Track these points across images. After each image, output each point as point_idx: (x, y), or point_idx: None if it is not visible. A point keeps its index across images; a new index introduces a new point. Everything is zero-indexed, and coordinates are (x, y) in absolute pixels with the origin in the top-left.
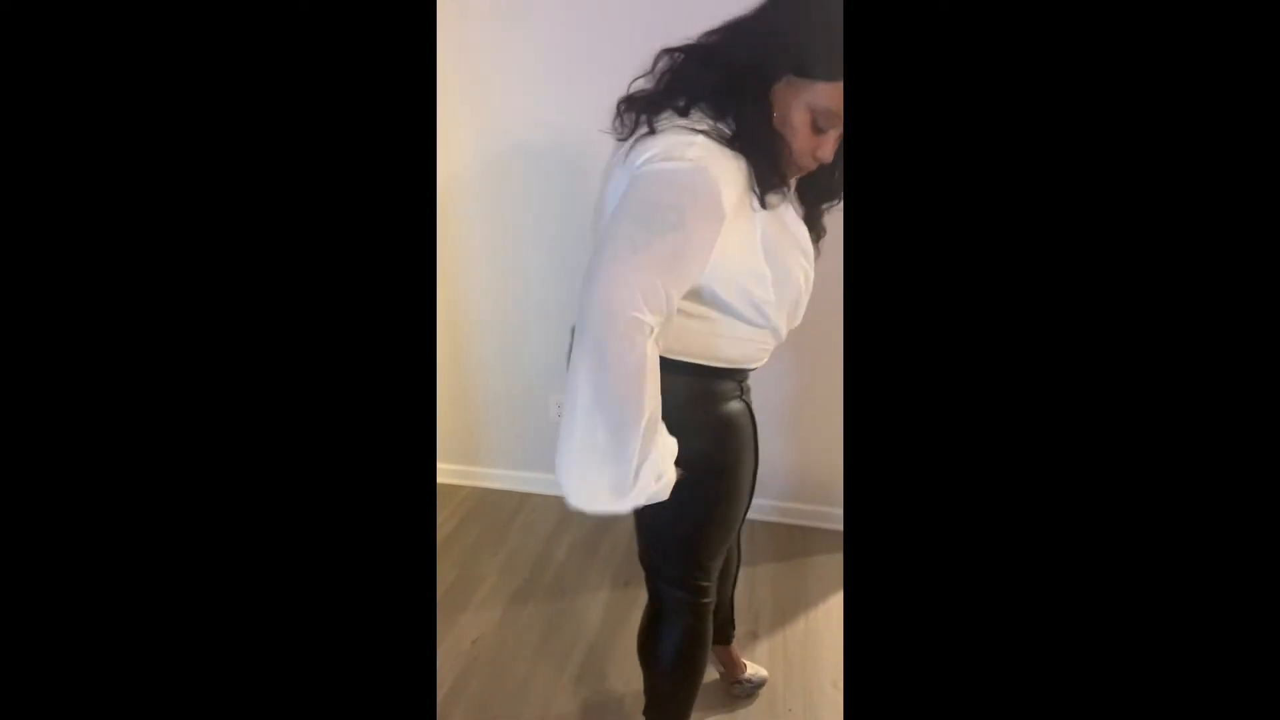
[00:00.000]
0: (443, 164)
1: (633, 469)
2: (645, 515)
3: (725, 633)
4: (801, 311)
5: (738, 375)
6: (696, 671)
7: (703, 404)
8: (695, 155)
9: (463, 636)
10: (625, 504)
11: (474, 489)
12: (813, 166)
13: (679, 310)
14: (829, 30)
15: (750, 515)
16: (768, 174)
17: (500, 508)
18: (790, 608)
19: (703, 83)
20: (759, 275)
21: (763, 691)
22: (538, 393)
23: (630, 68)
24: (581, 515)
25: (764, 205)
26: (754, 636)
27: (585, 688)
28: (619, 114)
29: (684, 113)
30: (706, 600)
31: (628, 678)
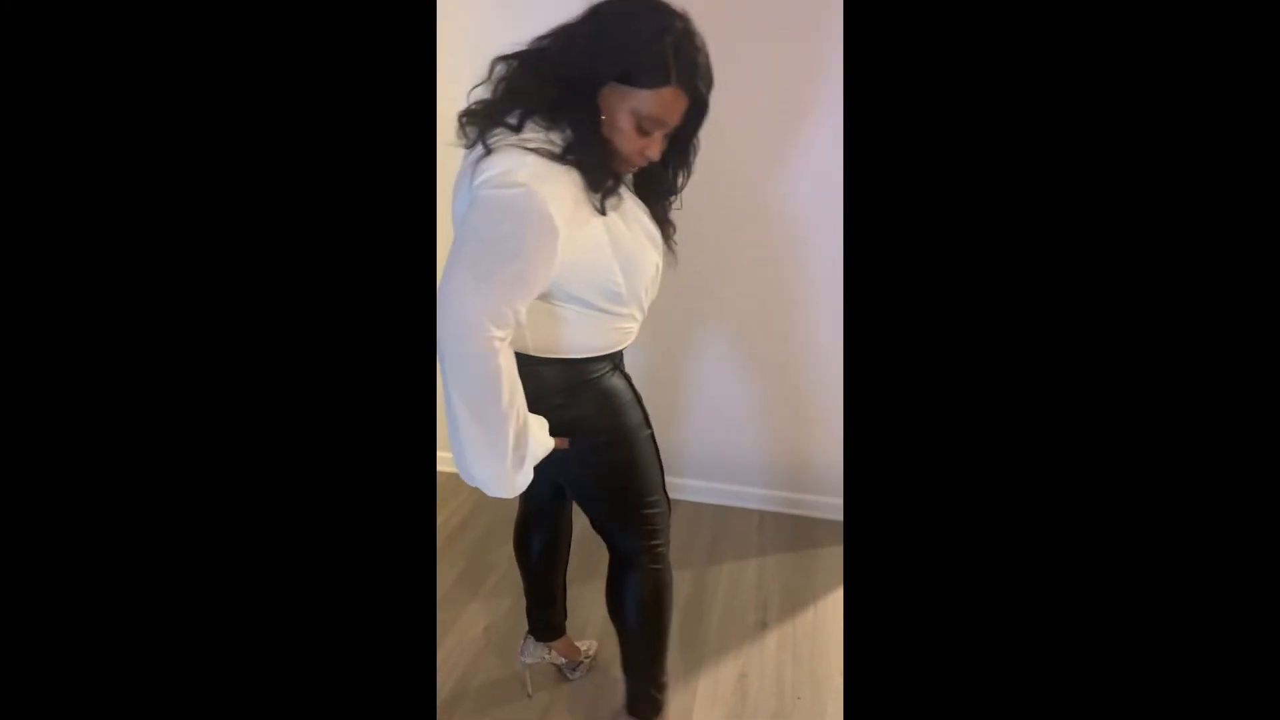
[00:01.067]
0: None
1: (508, 464)
2: (579, 495)
3: (548, 628)
4: (655, 289)
5: (605, 357)
6: (663, 615)
7: (579, 387)
8: (525, 178)
9: (473, 624)
10: (512, 490)
11: None
12: (643, 164)
13: (545, 310)
14: (651, 40)
15: (760, 507)
16: (600, 179)
17: (509, 499)
18: (799, 598)
19: (536, 95)
20: (608, 270)
21: (772, 680)
22: None
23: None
24: None
25: (602, 210)
26: (763, 626)
27: (596, 674)
28: (461, 126)
29: (518, 129)
30: (658, 543)
31: None
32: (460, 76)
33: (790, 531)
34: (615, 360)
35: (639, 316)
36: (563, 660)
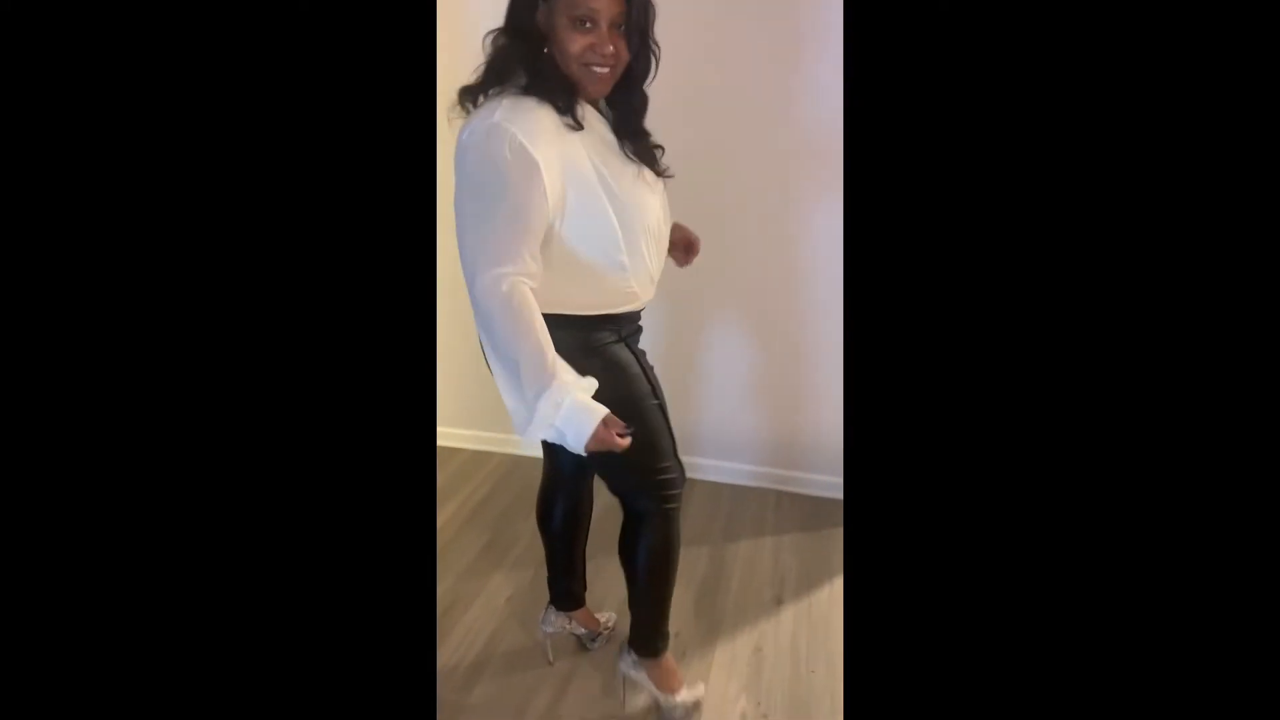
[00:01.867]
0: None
1: (527, 402)
2: (594, 461)
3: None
4: (662, 247)
5: (612, 323)
6: (669, 569)
7: (585, 353)
8: (497, 119)
9: (497, 594)
10: (532, 432)
11: (505, 456)
12: (599, 63)
13: (547, 262)
14: None
15: (779, 487)
16: (563, 95)
17: (531, 474)
18: (814, 576)
19: (502, 52)
20: (602, 212)
21: (787, 654)
22: None
23: None
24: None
25: (577, 122)
26: (779, 602)
27: (613, 645)
28: (460, 100)
29: (499, 89)
30: (671, 505)
31: None
32: (460, 73)
33: (806, 511)
34: (621, 331)
35: (642, 275)
36: (582, 630)
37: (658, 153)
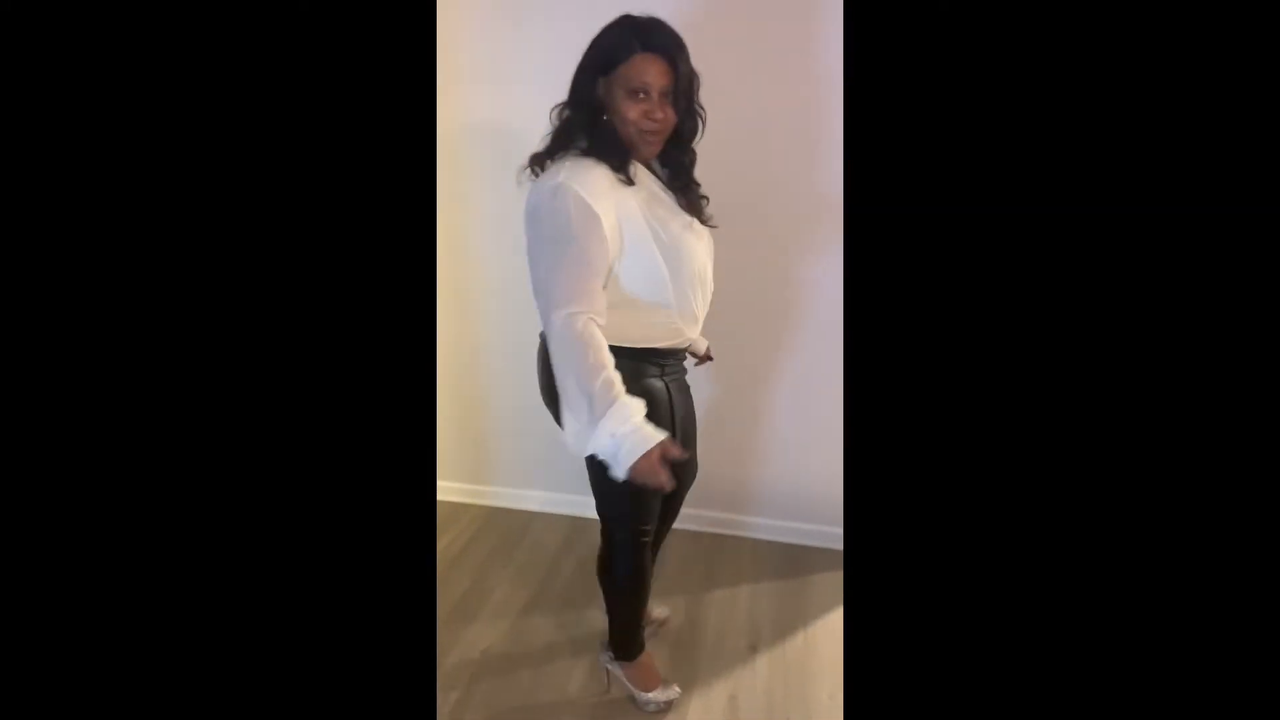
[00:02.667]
0: (452, 182)
1: (593, 419)
2: (591, 476)
3: (628, 647)
4: (707, 289)
5: (654, 356)
6: (642, 588)
7: (628, 381)
8: (561, 179)
9: (473, 646)
10: (591, 445)
11: (483, 507)
12: (652, 128)
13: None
14: (613, 30)
15: (753, 535)
16: (617, 155)
17: (509, 525)
18: (790, 623)
19: (566, 122)
20: (650, 256)
21: (762, 702)
22: (543, 414)
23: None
24: (587, 534)
25: (629, 179)
26: (753, 650)
27: (590, 697)
28: (530, 166)
29: (561, 155)
30: (645, 539)
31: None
32: (462, 73)
33: (782, 558)
34: (665, 366)
35: (687, 313)
36: (629, 686)
37: (704, 203)
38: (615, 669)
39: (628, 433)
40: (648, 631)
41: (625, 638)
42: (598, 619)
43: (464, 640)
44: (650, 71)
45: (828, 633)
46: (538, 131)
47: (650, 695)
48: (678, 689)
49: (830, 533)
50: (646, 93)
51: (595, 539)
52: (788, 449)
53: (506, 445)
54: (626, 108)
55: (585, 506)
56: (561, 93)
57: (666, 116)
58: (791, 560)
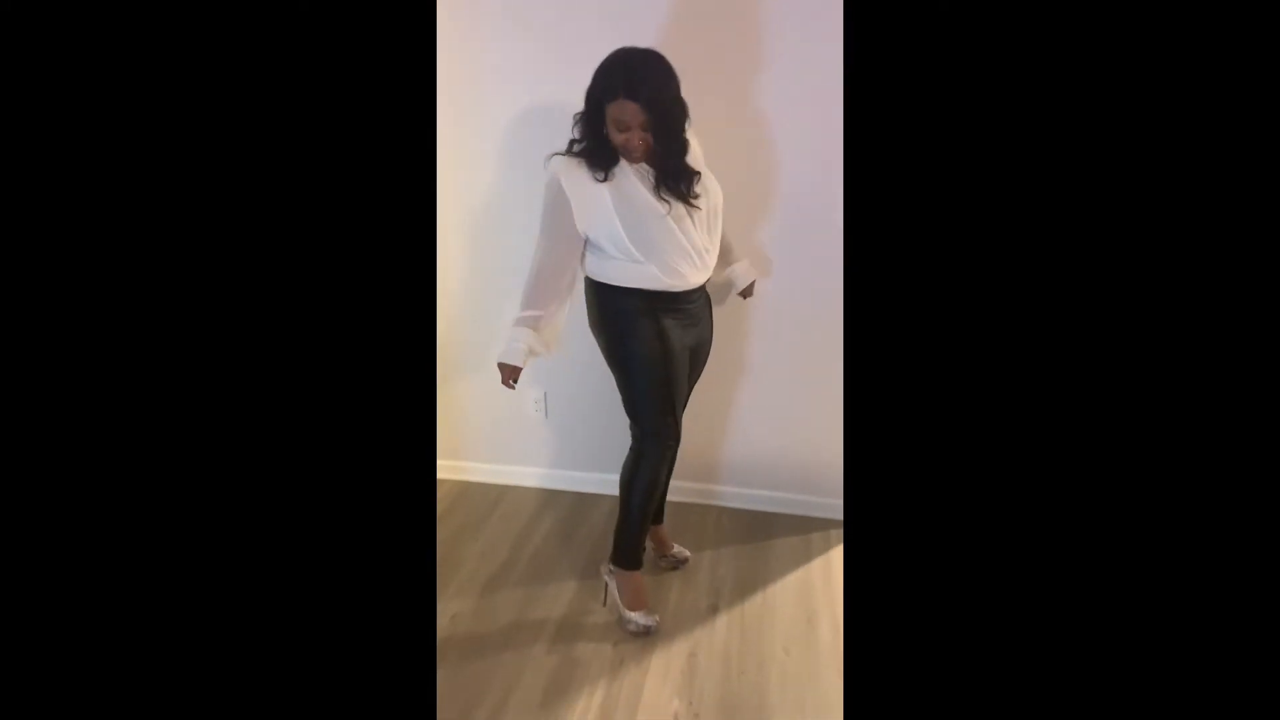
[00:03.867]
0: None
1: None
2: (617, 383)
3: (658, 515)
4: (689, 252)
5: (638, 295)
6: (653, 500)
7: (601, 305)
8: (553, 170)
9: (442, 612)
10: (501, 350)
11: (456, 482)
12: (632, 153)
13: (597, 250)
14: (606, 71)
15: (719, 502)
16: (600, 163)
17: (481, 499)
18: (750, 585)
19: (583, 129)
20: (613, 229)
21: (719, 659)
22: (518, 389)
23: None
24: (556, 505)
25: (605, 176)
26: (714, 610)
27: (554, 656)
28: (549, 158)
29: (567, 154)
30: (669, 453)
31: (595, 646)
32: (461, 73)
33: (745, 525)
34: (653, 300)
35: (667, 270)
36: (653, 545)
37: (696, 181)
38: (612, 582)
39: (508, 340)
40: (664, 564)
41: (629, 546)
42: (562, 590)
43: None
44: (628, 112)
45: (785, 593)
46: (524, 126)
47: (634, 615)
48: (657, 618)
49: (794, 499)
50: (627, 127)
51: (565, 512)
52: (757, 423)
53: (479, 421)
54: (613, 134)
55: (558, 480)
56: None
57: (645, 142)
58: (755, 526)
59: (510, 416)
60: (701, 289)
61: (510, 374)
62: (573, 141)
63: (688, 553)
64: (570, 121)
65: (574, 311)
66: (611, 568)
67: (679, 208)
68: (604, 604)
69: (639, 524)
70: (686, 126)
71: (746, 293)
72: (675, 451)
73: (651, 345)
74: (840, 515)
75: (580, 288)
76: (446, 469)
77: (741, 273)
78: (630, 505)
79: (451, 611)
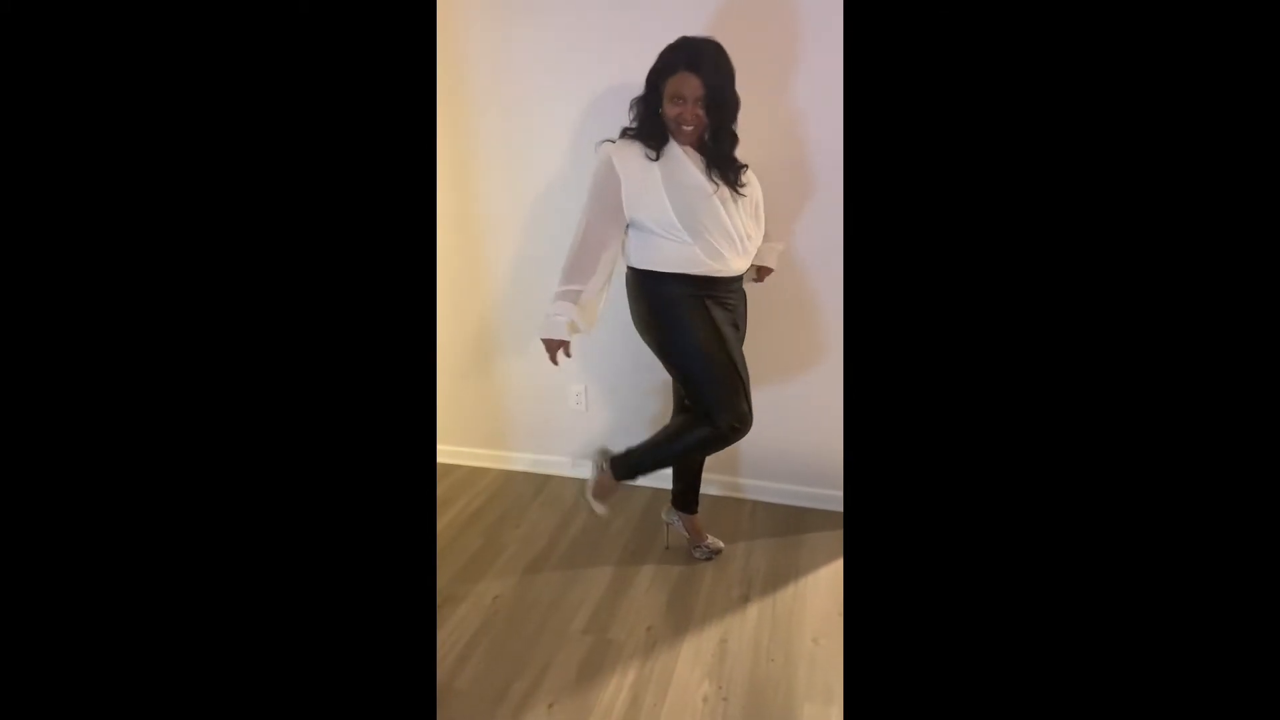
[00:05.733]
0: (470, 160)
1: (551, 303)
2: (680, 383)
3: (690, 504)
4: (734, 237)
5: (684, 280)
6: (705, 452)
7: (647, 297)
8: (607, 151)
9: (485, 594)
10: (542, 323)
11: (500, 471)
12: (687, 125)
13: (642, 234)
14: (669, 50)
15: (752, 497)
16: (654, 142)
17: (524, 488)
18: (782, 577)
19: (639, 110)
20: (662, 207)
21: (749, 646)
22: (560, 383)
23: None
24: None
25: (657, 156)
26: (745, 599)
27: (590, 637)
28: (600, 143)
29: (623, 135)
30: (735, 436)
31: (630, 629)
32: (461, 73)
33: (779, 519)
34: (699, 286)
35: (710, 253)
36: (687, 536)
37: (743, 172)
38: (676, 522)
39: (549, 314)
40: (698, 554)
41: (691, 493)
42: (599, 575)
43: (478, 590)
44: (687, 84)
45: (817, 585)
46: (559, 124)
47: (705, 543)
48: (722, 544)
49: (826, 495)
50: (683, 99)
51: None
52: (789, 419)
53: (522, 413)
54: (668, 108)
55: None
56: (576, 93)
57: (698, 117)
58: (788, 521)
59: (553, 410)
60: (740, 284)
61: (554, 348)
62: (625, 128)
63: (721, 544)
64: (625, 109)
65: (615, 308)
66: (676, 512)
67: (725, 191)
68: (666, 546)
69: (696, 473)
70: (736, 120)
71: (761, 274)
72: (740, 435)
73: (707, 331)
74: None
75: (621, 277)
76: (492, 458)
77: (765, 251)
78: (685, 461)
79: (494, 593)
